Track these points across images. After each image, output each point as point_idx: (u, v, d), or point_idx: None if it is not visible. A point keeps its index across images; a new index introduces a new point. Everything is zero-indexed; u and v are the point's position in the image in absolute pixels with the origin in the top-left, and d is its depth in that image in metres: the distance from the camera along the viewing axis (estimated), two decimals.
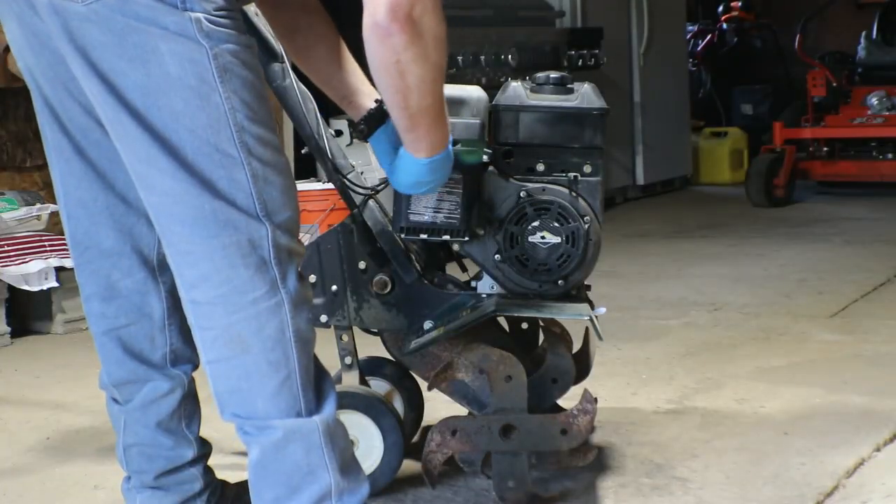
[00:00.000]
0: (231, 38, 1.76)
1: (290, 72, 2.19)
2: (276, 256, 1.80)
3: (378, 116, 2.07)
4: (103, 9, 1.70)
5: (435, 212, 2.21)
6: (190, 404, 2.07)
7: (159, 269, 1.99)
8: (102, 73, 1.73)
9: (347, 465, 1.89)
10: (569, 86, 2.26)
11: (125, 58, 1.71)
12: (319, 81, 2.17)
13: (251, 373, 1.80)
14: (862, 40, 7.15)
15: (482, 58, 5.34)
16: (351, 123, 2.22)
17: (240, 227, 1.77)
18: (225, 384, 1.82)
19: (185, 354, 2.05)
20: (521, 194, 2.21)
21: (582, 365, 2.47)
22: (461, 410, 2.36)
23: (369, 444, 2.29)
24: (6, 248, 3.91)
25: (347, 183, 2.30)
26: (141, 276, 1.99)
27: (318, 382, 1.87)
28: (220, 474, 2.19)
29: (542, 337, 2.52)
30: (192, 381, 2.08)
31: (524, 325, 2.53)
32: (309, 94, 2.23)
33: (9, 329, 3.97)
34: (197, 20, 1.72)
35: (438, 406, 2.69)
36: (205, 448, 2.12)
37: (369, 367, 2.54)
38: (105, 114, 1.77)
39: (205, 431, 2.12)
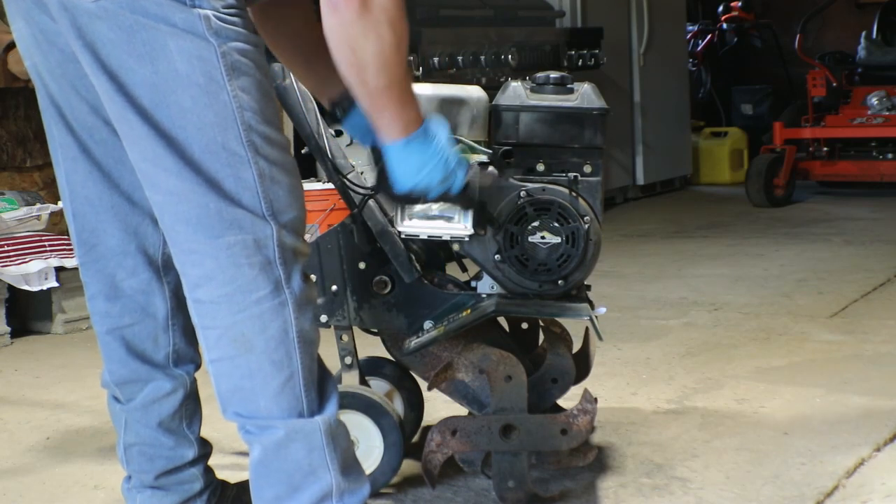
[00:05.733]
0: (240, 37, 1.76)
1: (290, 71, 2.19)
2: (282, 256, 1.80)
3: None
4: (112, 6, 1.70)
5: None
6: (191, 404, 2.07)
7: (164, 269, 1.99)
8: (111, 71, 1.73)
9: (349, 465, 1.89)
10: (569, 86, 2.26)
11: (134, 55, 1.71)
12: (289, 59, 2.13)
13: (254, 372, 1.80)
14: (862, 40, 7.15)
15: (482, 58, 5.34)
16: (323, 110, 2.21)
17: (245, 227, 1.77)
18: (227, 383, 1.82)
19: (188, 354, 2.05)
20: (521, 194, 2.21)
21: (582, 365, 2.47)
22: (461, 410, 2.36)
23: (369, 444, 2.29)
24: (6, 248, 3.91)
25: (347, 183, 2.30)
26: (145, 275, 1.99)
27: (320, 383, 1.87)
28: (220, 474, 2.19)
29: (542, 337, 2.52)
30: (194, 382, 2.08)
31: (524, 325, 2.53)
32: (309, 93, 2.24)
33: (9, 329, 3.97)
34: (206, 17, 1.72)
35: (438, 406, 2.69)
36: (205, 448, 2.12)
37: (369, 367, 2.54)
38: (112, 112, 1.77)
39: (205, 431, 2.12)
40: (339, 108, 2.16)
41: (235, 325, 1.79)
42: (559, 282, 2.22)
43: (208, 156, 1.74)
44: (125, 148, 1.80)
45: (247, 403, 1.82)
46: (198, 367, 2.08)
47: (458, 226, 2.21)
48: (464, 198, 2.05)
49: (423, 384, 2.40)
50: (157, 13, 1.70)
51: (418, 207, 2.19)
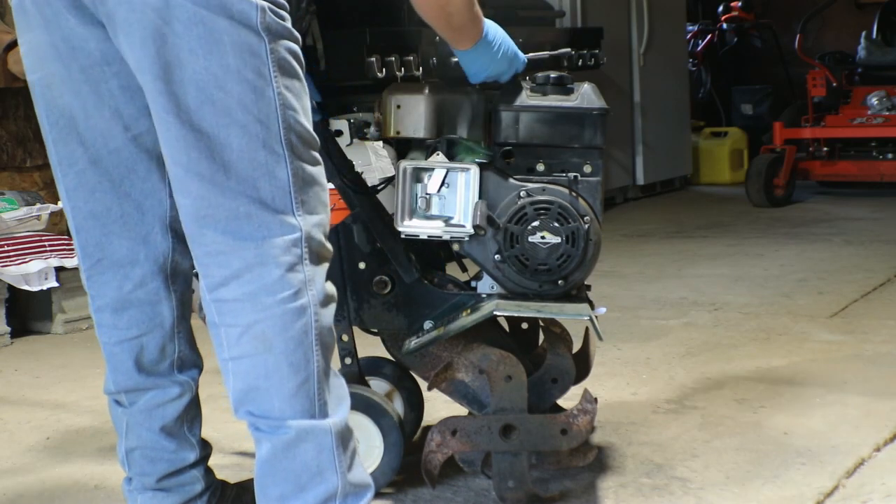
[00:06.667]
0: (286, 34, 1.77)
1: None
2: (308, 257, 1.80)
3: None
4: None
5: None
6: (193, 408, 2.07)
7: (172, 277, 1.99)
8: (160, 67, 1.71)
9: (355, 468, 1.88)
10: (569, 86, 2.26)
11: (186, 49, 1.70)
12: None
13: (271, 372, 1.79)
14: (862, 40, 7.15)
15: None
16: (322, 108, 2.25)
17: (274, 229, 1.76)
18: (244, 382, 1.81)
19: (191, 360, 2.05)
20: (521, 194, 2.21)
21: (582, 365, 2.47)
22: (461, 410, 2.36)
23: (369, 444, 2.29)
24: (6, 248, 3.91)
25: (347, 183, 2.30)
26: (154, 285, 1.98)
27: (333, 386, 1.87)
28: (221, 474, 2.19)
29: (542, 337, 2.52)
30: (197, 386, 2.07)
31: (524, 325, 2.53)
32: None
33: (9, 329, 3.97)
34: (262, 9, 1.72)
35: (438, 406, 2.69)
36: (206, 450, 2.12)
37: (369, 367, 2.54)
38: (155, 112, 1.76)
39: (205, 431, 2.12)
40: None
41: (257, 323, 1.78)
42: (559, 282, 2.22)
43: (246, 155, 1.74)
44: (161, 149, 1.79)
45: (260, 403, 1.81)
46: (201, 370, 2.08)
47: (459, 226, 2.21)
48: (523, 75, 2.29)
49: (423, 384, 2.40)
50: (217, 3, 1.69)
51: (420, 206, 2.20)
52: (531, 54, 2.29)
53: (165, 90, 1.72)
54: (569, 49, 2.46)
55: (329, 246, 1.86)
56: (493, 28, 2.16)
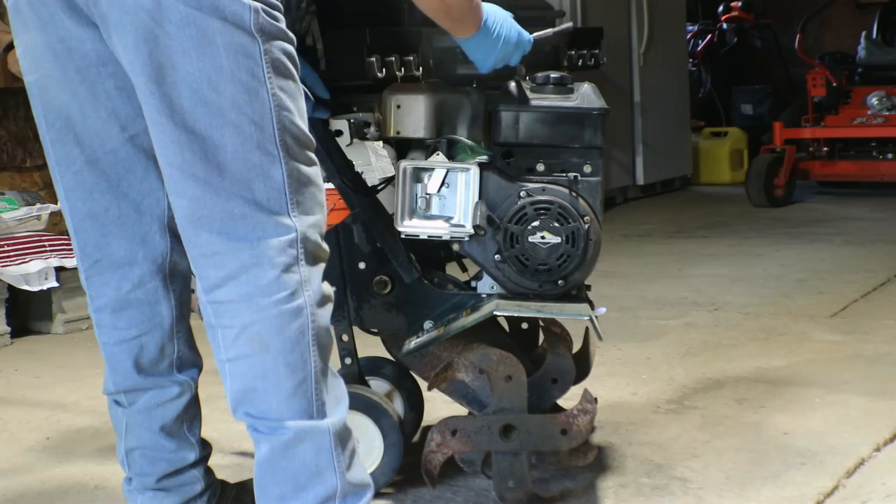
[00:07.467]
0: (281, 35, 1.77)
1: None
2: (304, 258, 1.79)
3: None
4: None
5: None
6: (193, 407, 2.07)
7: (170, 277, 1.99)
8: (152, 68, 1.71)
9: (354, 468, 1.88)
10: (569, 86, 2.26)
11: (179, 51, 1.70)
12: None
13: (268, 373, 1.79)
14: (862, 40, 7.15)
15: None
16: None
17: (269, 230, 1.76)
18: (241, 383, 1.81)
19: (191, 359, 2.05)
20: (521, 194, 2.21)
21: (582, 365, 2.47)
22: (461, 410, 2.36)
23: (369, 444, 2.29)
24: (6, 248, 3.91)
25: (347, 183, 2.30)
26: (152, 284, 1.98)
27: (331, 386, 1.87)
28: (221, 474, 2.19)
29: (542, 337, 2.52)
30: (197, 386, 2.07)
31: (524, 325, 2.53)
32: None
33: (9, 329, 3.97)
34: (255, 10, 1.72)
35: (438, 406, 2.69)
36: (206, 450, 2.12)
37: (369, 367, 2.54)
38: (147, 114, 1.76)
39: (205, 431, 2.12)
40: None
41: (253, 324, 1.78)
42: (559, 282, 2.22)
43: (240, 157, 1.74)
44: (155, 149, 1.79)
45: (258, 404, 1.81)
46: (200, 370, 2.07)
47: (459, 226, 2.21)
48: (536, 53, 2.28)
49: (423, 384, 2.40)
50: (209, 4, 1.69)
51: (420, 206, 2.20)
52: (536, 34, 2.27)
53: (158, 91, 1.72)
54: (570, 24, 2.46)
55: (325, 246, 1.86)
56: (493, 13, 2.14)
